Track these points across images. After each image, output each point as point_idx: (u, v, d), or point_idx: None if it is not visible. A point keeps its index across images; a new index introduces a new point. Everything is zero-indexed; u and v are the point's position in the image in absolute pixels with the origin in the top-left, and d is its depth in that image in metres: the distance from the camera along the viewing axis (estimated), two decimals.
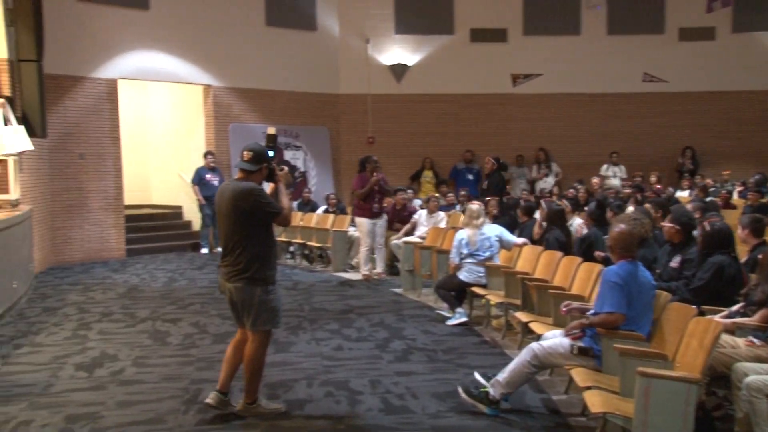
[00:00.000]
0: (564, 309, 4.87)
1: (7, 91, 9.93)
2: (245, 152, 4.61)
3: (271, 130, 4.87)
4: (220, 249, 13.53)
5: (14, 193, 9.48)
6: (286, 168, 4.84)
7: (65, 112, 12.06)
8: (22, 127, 7.64)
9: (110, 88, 12.57)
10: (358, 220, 10.23)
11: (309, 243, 11.84)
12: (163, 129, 15.29)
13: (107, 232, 12.60)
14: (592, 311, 4.60)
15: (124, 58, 12.68)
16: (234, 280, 4.50)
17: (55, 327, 7.30)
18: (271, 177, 4.69)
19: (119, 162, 12.74)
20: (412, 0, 15.28)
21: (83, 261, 12.13)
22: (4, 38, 9.95)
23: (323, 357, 6.10)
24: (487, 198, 10.58)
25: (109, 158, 12.57)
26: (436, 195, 11.80)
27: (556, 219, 7.80)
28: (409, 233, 10.48)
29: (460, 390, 4.85)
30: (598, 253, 6.97)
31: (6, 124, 7.51)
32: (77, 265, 11.89)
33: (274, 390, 5.15)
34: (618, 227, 4.51)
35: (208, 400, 4.64)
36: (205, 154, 13.29)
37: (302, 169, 14.79)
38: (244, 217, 4.47)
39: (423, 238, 9.79)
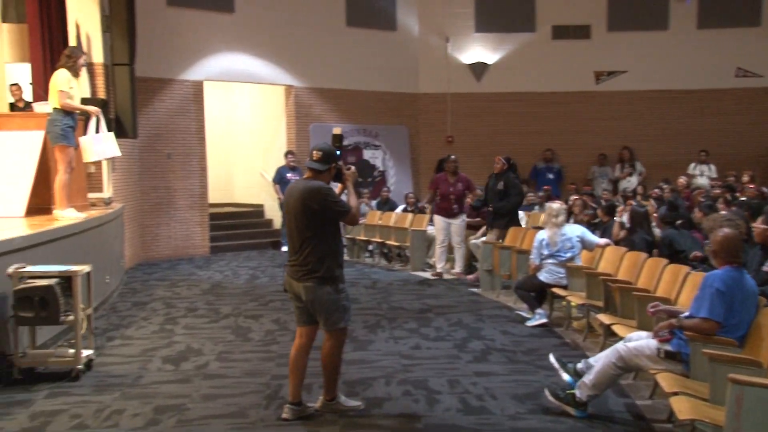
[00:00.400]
0: (651, 310, 4.73)
1: (102, 94, 10.39)
2: (314, 152, 4.65)
3: (337, 131, 4.93)
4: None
5: (107, 191, 9.90)
6: (353, 168, 4.88)
7: (154, 113, 12.51)
8: (111, 134, 7.97)
9: (196, 90, 12.96)
10: (435, 217, 10.33)
11: (388, 242, 11.89)
12: (246, 129, 15.66)
13: (192, 230, 12.99)
14: (685, 314, 4.44)
15: (209, 61, 13.05)
16: (304, 279, 4.51)
17: (144, 321, 7.58)
18: (338, 177, 4.73)
19: (204, 161, 13.12)
20: None
21: (170, 257, 12.55)
22: (101, 43, 10.42)
23: (401, 356, 6.12)
24: (575, 197, 10.40)
25: (195, 158, 12.96)
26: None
27: (641, 220, 7.60)
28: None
29: (546, 392, 4.78)
30: (696, 254, 6.75)
31: (98, 131, 7.84)
32: (164, 261, 12.31)
33: (353, 387, 5.20)
34: (722, 231, 4.30)
35: (284, 416, 4.60)
36: (286, 154, 13.54)
37: (381, 168, 14.88)
38: (313, 216, 4.49)
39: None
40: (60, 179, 7.31)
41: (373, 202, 13.70)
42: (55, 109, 7.22)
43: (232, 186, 15.95)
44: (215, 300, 8.77)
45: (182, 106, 12.82)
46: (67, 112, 7.21)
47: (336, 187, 4.77)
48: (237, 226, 14.28)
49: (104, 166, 9.98)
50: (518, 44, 15.20)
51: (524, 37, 15.19)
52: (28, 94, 10.50)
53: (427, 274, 10.60)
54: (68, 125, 7.22)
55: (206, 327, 7.30)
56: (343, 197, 4.73)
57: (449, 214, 10.20)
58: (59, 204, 7.38)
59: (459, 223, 10.27)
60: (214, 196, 14.26)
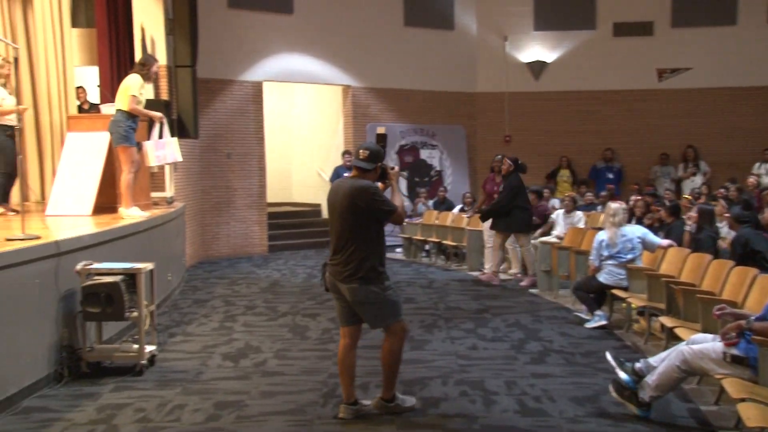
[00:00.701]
0: (717, 313, 4.58)
1: (165, 95, 10.65)
2: (361, 150, 4.63)
3: (381, 130, 4.93)
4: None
5: (170, 190, 10.13)
6: (397, 168, 4.89)
7: (215, 114, 12.74)
8: (174, 140, 8.18)
9: (256, 90, 13.16)
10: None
11: (444, 242, 11.86)
12: (304, 129, 15.83)
13: (251, 229, 13.19)
14: (755, 316, 4.31)
15: (269, 61, 13.22)
16: (348, 280, 4.47)
17: (204, 318, 7.73)
18: (383, 176, 4.73)
19: (263, 161, 13.30)
20: None
21: (229, 256, 12.77)
22: (164, 46, 10.68)
23: (458, 356, 6.10)
24: (637, 198, 10.18)
25: (254, 157, 13.15)
26: (573, 194, 11.50)
27: (709, 218, 7.41)
28: (546, 233, 10.28)
29: (610, 387, 4.71)
30: None
31: (161, 137, 8.05)
32: (224, 259, 12.53)
33: (409, 387, 5.20)
34: None
35: (340, 415, 4.62)
36: (343, 153, 13.60)
37: (438, 168, 14.84)
38: (359, 215, 4.47)
39: (560, 238, 9.58)
40: (124, 179, 7.52)
41: (430, 202, 13.68)
42: (119, 110, 7.43)
43: (290, 185, 16.15)
44: (273, 298, 8.88)
45: (242, 107, 13.02)
46: (131, 114, 7.43)
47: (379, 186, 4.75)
48: (294, 226, 14.44)
49: (167, 166, 10.21)
50: (578, 42, 14.98)
51: (584, 35, 14.95)
52: (92, 96, 10.84)
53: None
54: (130, 127, 7.43)
55: (264, 325, 7.40)
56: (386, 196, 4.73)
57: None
58: (124, 203, 7.59)
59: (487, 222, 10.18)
60: (272, 195, 14.46)
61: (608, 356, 4.95)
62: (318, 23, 13.60)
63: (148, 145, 7.99)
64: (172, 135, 9.03)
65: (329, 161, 14.43)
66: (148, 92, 9.96)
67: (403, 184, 14.25)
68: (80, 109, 10.27)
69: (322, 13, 13.64)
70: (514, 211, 9.48)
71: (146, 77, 7.56)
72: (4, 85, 7.88)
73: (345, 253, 4.49)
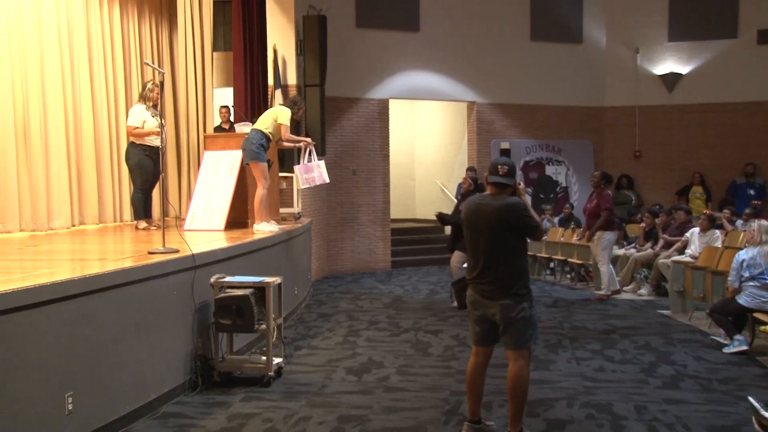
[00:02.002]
0: None
1: (296, 115, 11.01)
2: (500, 166, 4.56)
3: (505, 146, 4.84)
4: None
5: (297, 206, 10.45)
6: (522, 183, 4.80)
7: (341, 132, 13.06)
8: (322, 162, 8.47)
9: (382, 108, 13.38)
10: (605, 234, 9.94)
11: (570, 260, 11.57)
12: (428, 145, 15.93)
13: (375, 245, 13.38)
14: None
15: (395, 79, 13.42)
16: (500, 297, 4.43)
17: (328, 332, 7.89)
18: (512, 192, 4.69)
19: (387, 177, 13.48)
20: (689, 4, 14.34)
21: (353, 271, 13.00)
22: (294, 66, 11.09)
23: (584, 377, 5.93)
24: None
25: (379, 174, 13.36)
26: (710, 212, 10.93)
27: None
28: (680, 251, 9.83)
29: (754, 421, 4.40)
30: None
31: (309, 160, 8.36)
32: (348, 274, 12.77)
33: (534, 408, 5.10)
34: None
35: None
36: (468, 170, 13.55)
37: (564, 185, 14.53)
38: (510, 232, 4.44)
39: (695, 257, 9.12)
40: (258, 194, 7.86)
41: (556, 219, 13.39)
42: (255, 129, 7.80)
43: (413, 202, 16.27)
44: (396, 314, 8.95)
45: (368, 124, 13.28)
46: (265, 134, 7.78)
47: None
48: (417, 242, 14.53)
49: (295, 182, 10.55)
50: (717, 52, 14.26)
51: (724, 44, 14.22)
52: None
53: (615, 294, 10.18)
54: (261, 145, 7.77)
55: (387, 340, 7.46)
56: None
57: (615, 227, 10.01)
58: (257, 218, 7.93)
59: (596, 240, 9.85)
60: (396, 211, 14.62)
61: (752, 401, 4.61)
62: (443, 40, 13.69)
63: (298, 169, 8.33)
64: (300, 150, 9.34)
65: (453, 178, 14.44)
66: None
67: (527, 200, 14.01)
68: (220, 128, 10.72)
69: (448, 31, 13.72)
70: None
71: (294, 114, 8.02)
72: (155, 107, 8.42)
73: (496, 271, 4.44)
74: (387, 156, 13.47)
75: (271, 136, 7.83)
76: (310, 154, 8.32)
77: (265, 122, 7.87)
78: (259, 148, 7.73)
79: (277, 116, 7.84)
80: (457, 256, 9.07)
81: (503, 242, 4.45)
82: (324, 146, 11.14)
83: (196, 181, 8.65)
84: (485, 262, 4.50)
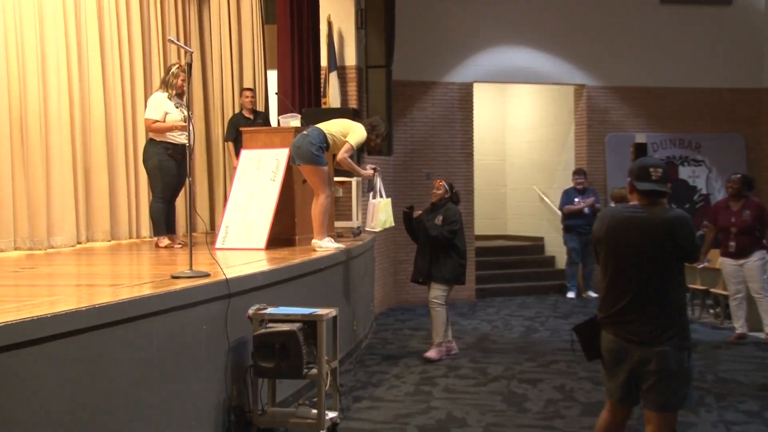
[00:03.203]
0: None
1: (353, 102, 11.11)
2: (653, 169, 4.42)
3: (641, 139, 4.70)
4: (592, 293, 13.33)
5: (357, 219, 10.48)
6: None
7: (412, 125, 13.08)
8: (388, 201, 8.58)
9: (464, 94, 13.35)
10: (721, 260, 9.81)
11: (713, 290, 11.26)
12: (524, 142, 15.81)
13: None
14: None
15: (481, 57, 13.40)
16: (656, 342, 4.28)
17: (396, 379, 7.89)
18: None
19: (471, 183, 13.43)
20: None
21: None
22: (354, 43, 11.15)
23: None
24: None
25: (460, 178, 13.28)
26: None
27: None
28: None
29: None
30: None
31: (374, 197, 8.46)
32: (420, 306, 12.67)
33: None
34: None
35: None
36: (575, 173, 13.43)
37: (704, 191, 14.18)
38: (675, 256, 4.34)
39: None
40: (319, 203, 7.95)
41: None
42: (316, 128, 7.90)
43: (504, 214, 16.18)
44: (482, 357, 8.89)
45: (446, 115, 13.26)
46: (326, 136, 7.87)
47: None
48: (510, 265, 14.42)
49: (354, 189, 10.60)
50: None
51: None
52: (263, 103, 11.44)
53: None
54: (322, 147, 7.87)
55: (471, 391, 7.41)
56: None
57: (735, 253, 9.59)
58: (318, 232, 8.03)
59: (753, 263, 9.51)
60: (482, 226, 14.56)
61: None
62: (544, 7, 13.60)
63: (371, 206, 8.43)
64: (360, 151, 9.38)
65: (555, 183, 14.28)
66: (333, 99, 10.47)
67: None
68: (240, 118, 10.75)
69: None
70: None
71: (371, 141, 8.18)
72: (180, 95, 8.58)
73: (651, 307, 4.32)
74: (470, 155, 13.41)
75: (332, 144, 7.97)
76: (380, 186, 8.50)
77: (334, 127, 8.02)
78: (319, 151, 7.86)
79: (349, 132, 7.98)
80: (437, 290, 8.87)
81: (662, 268, 4.32)
82: (390, 143, 11.16)
83: (231, 188, 8.78)
84: (636, 295, 4.35)
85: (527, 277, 14.11)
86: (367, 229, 8.70)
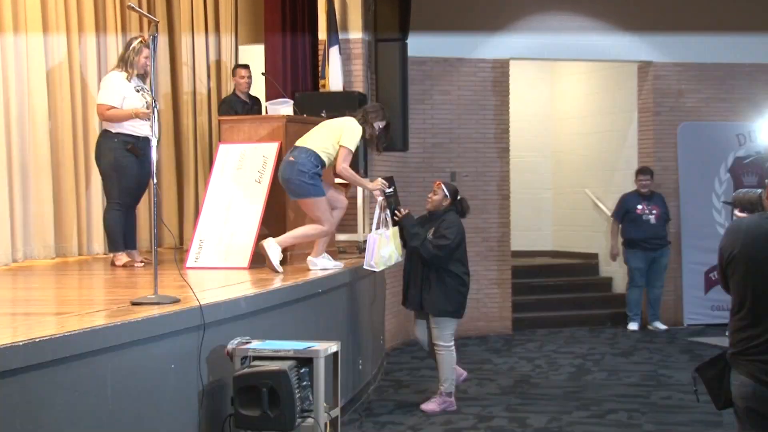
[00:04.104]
0: None
1: (359, 85, 11.08)
2: None
3: None
4: (660, 325, 13.27)
5: (363, 232, 10.45)
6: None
7: (433, 113, 13.06)
8: (394, 231, 8.46)
9: (498, 74, 13.30)
10: None
11: None
12: (573, 133, 15.78)
13: (486, 292, 13.26)
14: None
15: (519, 28, 13.33)
16: None
17: (411, 431, 7.89)
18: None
19: (506, 186, 13.39)
20: None
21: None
22: (360, 10, 11.15)
23: None
24: None
25: (493, 179, 13.27)
26: None
27: None
28: None
29: None
30: None
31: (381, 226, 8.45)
32: None
33: None
34: None
35: None
36: (638, 173, 13.37)
37: None
38: None
39: None
40: (317, 229, 8.02)
41: None
42: (304, 150, 7.92)
43: (548, 224, 16.13)
44: (521, 404, 8.88)
45: (476, 101, 13.23)
46: (320, 158, 7.90)
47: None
48: (555, 288, 14.40)
49: (359, 194, 10.58)
50: None
51: None
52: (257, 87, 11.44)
53: None
54: (317, 174, 7.92)
55: None
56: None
57: None
58: (314, 249, 8.13)
59: None
60: (520, 240, 14.52)
61: None
62: None
63: (371, 240, 8.30)
64: (367, 147, 9.39)
65: (613, 185, 14.25)
66: (335, 81, 10.46)
67: None
68: (234, 99, 10.73)
69: None
70: None
71: (365, 129, 8.19)
72: (142, 77, 8.60)
73: None
74: (506, 151, 13.38)
75: (329, 160, 8.07)
76: (386, 217, 8.39)
77: (323, 140, 8.07)
78: (314, 179, 7.93)
79: (341, 133, 8.05)
80: (438, 329, 8.66)
81: None
82: (405, 135, 11.13)
83: (206, 191, 8.79)
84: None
85: (577, 303, 14.07)
86: (365, 267, 8.44)
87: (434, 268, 8.45)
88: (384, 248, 8.27)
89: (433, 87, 13.06)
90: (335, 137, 8.05)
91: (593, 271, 14.86)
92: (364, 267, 8.27)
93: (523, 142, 15.16)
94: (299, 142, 8.13)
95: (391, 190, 8.46)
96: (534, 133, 15.97)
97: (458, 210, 8.70)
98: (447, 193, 8.68)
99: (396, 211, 8.52)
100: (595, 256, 14.88)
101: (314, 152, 7.97)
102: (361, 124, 8.14)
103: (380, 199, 8.36)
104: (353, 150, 8.07)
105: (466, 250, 8.78)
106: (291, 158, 8.00)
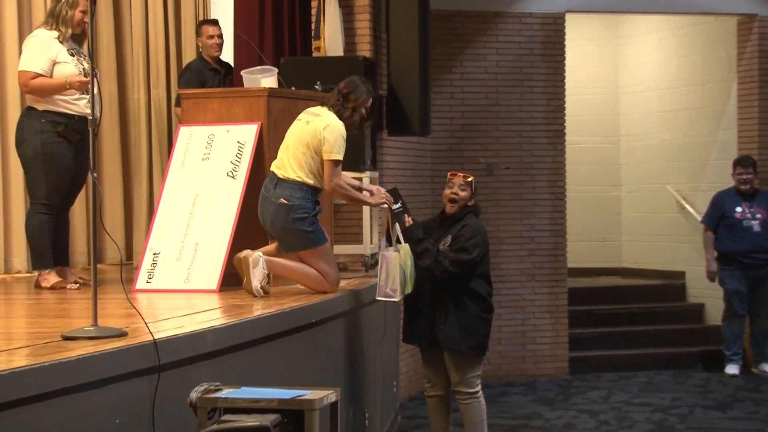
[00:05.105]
0: None
1: (366, 49, 11.11)
2: None
3: None
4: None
5: (371, 243, 10.48)
6: None
7: (462, 85, 13.10)
8: (406, 246, 8.50)
9: (551, 33, 13.34)
10: None
11: None
12: (651, 111, 15.81)
13: (533, 323, 13.28)
14: None
15: None
16: None
17: None
18: None
19: (560, 181, 13.45)
20: None
21: (487, 378, 12.91)
22: None
23: None
24: None
25: (544, 173, 13.29)
26: None
27: None
28: None
29: None
30: None
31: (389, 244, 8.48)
32: None
33: None
34: None
35: None
36: (737, 163, 13.34)
37: None
38: None
39: None
40: (317, 283, 8.09)
41: None
42: (287, 182, 7.89)
43: (618, 232, 16.16)
44: None
45: (520, 68, 13.27)
46: (309, 186, 7.90)
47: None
48: (628, 318, 14.50)
49: (367, 194, 10.60)
50: None
51: None
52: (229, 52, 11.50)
53: None
54: (313, 209, 7.89)
55: None
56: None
57: None
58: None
59: None
60: (580, 252, 14.62)
61: None
62: None
63: (386, 259, 8.31)
64: (378, 127, 9.40)
65: (704, 180, 14.29)
66: (334, 45, 10.53)
67: None
68: (202, 64, 10.81)
69: None
70: None
71: (350, 121, 8.10)
72: (78, 38, 8.64)
73: None
74: (560, 134, 13.41)
75: (320, 185, 8.06)
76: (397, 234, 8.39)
77: (299, 160, 8.00)
78: (313, 224, 8.00)
79: (323, 137, 7.95)
80: (461, 372, 8.61)
81: None
82: (425, 115, 11.12)
83: (162, 189, 8.82)
84: None
85: (657, 339, 14.13)
86: (378, 297, 8.37)
87: (451, 289, 8.39)
88: (397, 270, 8.23)
89: (463, 50, 13.09)
90: (316, 143, 7.94)
91: (678, 296, 14.87)
92: (378, 297, 8.23)
93: (582, 124, 15.19)
94: (279, 168, 8.05)
95: (398, 206, 8.39)
96: (597, 112, 15.99)
97: (475, 210, 8.65)
98: (473, 189, 8.63)
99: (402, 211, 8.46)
100: (680, 275, 14.89)
101: (304, 183, 7.95)
102: (341, 116, 8.09)
103: (386, 211, 8.45)
104: (339, 158, 7.98)
105: (489, 262, 8.74)
106: (282, 200, 7.91)
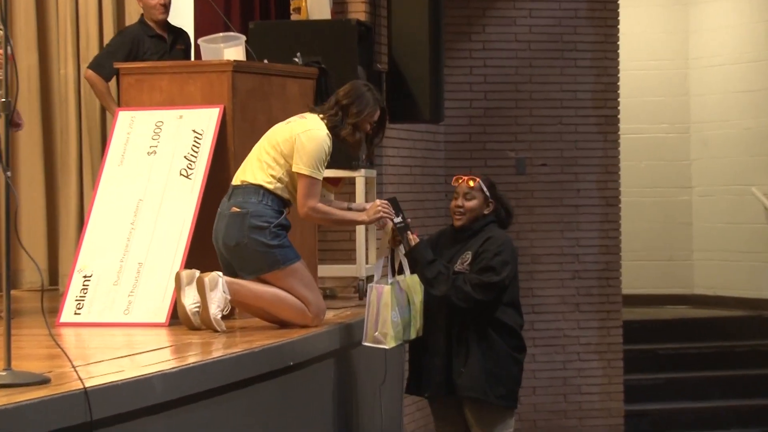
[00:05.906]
0: None
1: (360, 11, 11.16)
2: None
3: None
4: None
5: (366, 263, 10.52)
6: None
7: (485, 59, 13.15)
8: (410, 277, 8.51)
9: (597, 8, 13.38)
10: None
11: None
12: (727, 92, 15.86)
13: (579, 366, 13.35)
14: None
15: None
16: None
17: None
18: None
19: (614, 181, 13.48)
20: None
21: (523, 424, 12.98)
22: None
23: None
24: None
25: (592, 171, 13.36)
26: None
27: None
28: None
29: None
30: None
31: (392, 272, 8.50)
32: None
33: None
34: None
35: None
36: None
37: None
38: None
39: None
40: (297, 311, 8.05)
41: None
42: (244, 187, 7.90)
43: (689, 249, 16.20)
44: None
45: (560, 36, 13.33)
46: (274, 195, 7.89)
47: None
48: (699, 360, 14.55)
49: (359, 196, 10.65)
50: None
51: None
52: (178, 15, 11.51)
53: None
54: (281, 225, 7.87)
55: None
56: None
57: None
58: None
59: None
60: (638, 276, 14.66)
61: None
62: None
63: (375, 295, 8.30)
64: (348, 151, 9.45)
65: None
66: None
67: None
68: (146, 36, 10.85)
69: None
70: None
71: (351, 140, 8.07)
72: None
73: None
74: (613, 121, 13.47)
75: (289, 196, 8.01)
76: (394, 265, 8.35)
77: (260, 161, 8.02)
78: (277, 236, 7.92)
79: (295, 147, 7.88)
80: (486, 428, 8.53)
81: None
82: (437, 98, 11.16)
83: (95, 192, 8.85)
84: None
85: (739, 386, 14.19)
86: (365, 343, 8.27)
87: (473, 321, 8.22)
88: (397, 309, 8.21)
89: (486, 12, 13.16)
90: (285, 150, 7.88)
91: (766, 331, 14.88)
92: (364, 343, 8.16)
93: (641, 107, 15.24)
94: (236, 177, 8.07)
95: (399, 220, 8.25)
96: (661, 92, 16.04)
97: (501, 218, 8.43)
98: (488, 194, 8.36)
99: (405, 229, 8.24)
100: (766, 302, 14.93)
101: (261, 187, 7.89)
102: (337, 132, 7.98)
103: (388, 227, 8.18)
104: (321, 175, 7.91)
105: (519, 287, 8.53)
106: (234, 208, 7.88)
